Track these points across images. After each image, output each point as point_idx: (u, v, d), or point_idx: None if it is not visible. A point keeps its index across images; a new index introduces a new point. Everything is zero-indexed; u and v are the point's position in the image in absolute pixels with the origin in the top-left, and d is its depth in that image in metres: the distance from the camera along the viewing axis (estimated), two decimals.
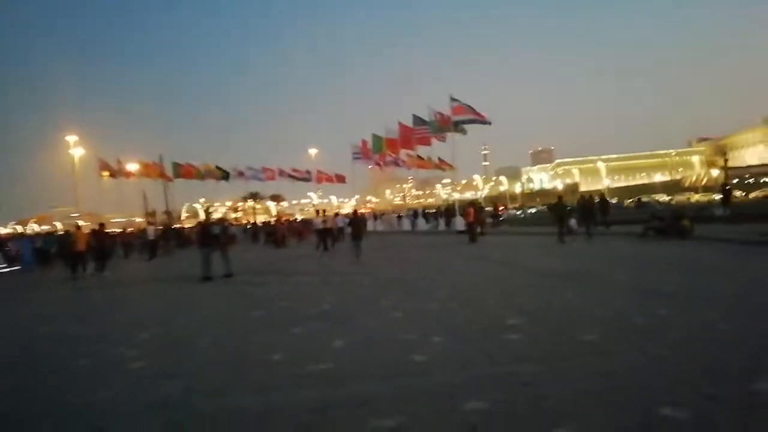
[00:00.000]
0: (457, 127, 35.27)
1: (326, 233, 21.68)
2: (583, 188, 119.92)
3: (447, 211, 36.36)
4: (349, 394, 4.44)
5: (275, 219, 43.56)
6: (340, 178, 68.35)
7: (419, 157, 42.14)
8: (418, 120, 38.38)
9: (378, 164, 49.87)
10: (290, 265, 17.62)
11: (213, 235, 14.70)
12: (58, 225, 43.56)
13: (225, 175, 53.10)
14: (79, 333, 8.20)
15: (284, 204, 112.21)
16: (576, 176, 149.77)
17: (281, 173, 61.18)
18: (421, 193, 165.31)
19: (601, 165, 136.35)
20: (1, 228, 39.91)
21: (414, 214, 42.07)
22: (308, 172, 65.36)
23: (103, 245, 19.22)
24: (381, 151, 45.57)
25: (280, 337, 6.69)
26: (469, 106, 34.30)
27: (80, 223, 31.07)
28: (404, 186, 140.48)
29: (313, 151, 70.89)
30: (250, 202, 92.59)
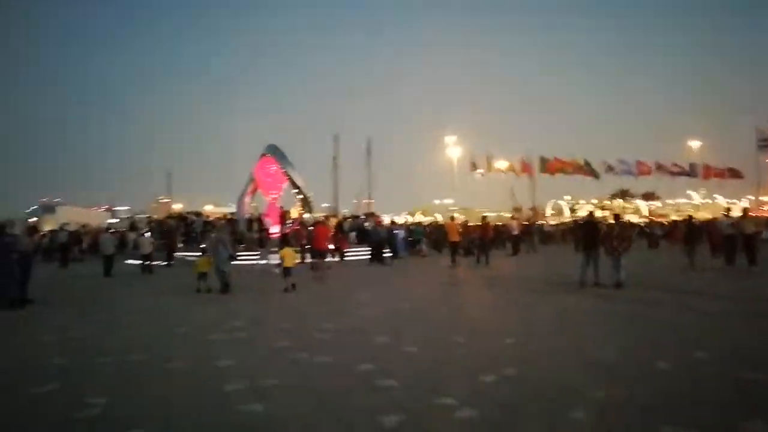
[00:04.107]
0: None
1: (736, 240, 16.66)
2: None
3: None
4: None
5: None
6: (735, 173, 56.54)
7: None
8: None
9: None
10: (685, 280, 13.85)
11: (594, 236, 12.67)
12: (439, 217, 48.69)
13: (595, 173, 50.12)
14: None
15: (657, 203, 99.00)
16: None
17: (659, 167, 54.09)
18: None
19: None
20: (396, 217, 47.28)
21: None
22: (692, 166, 56.13)
23: (485, 238, 20.74)
24: None
25: None
26: None
27: (456, 215, 33.23)
28: None
29: (695, 144, 59.50)
30: (618, 201, 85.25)
